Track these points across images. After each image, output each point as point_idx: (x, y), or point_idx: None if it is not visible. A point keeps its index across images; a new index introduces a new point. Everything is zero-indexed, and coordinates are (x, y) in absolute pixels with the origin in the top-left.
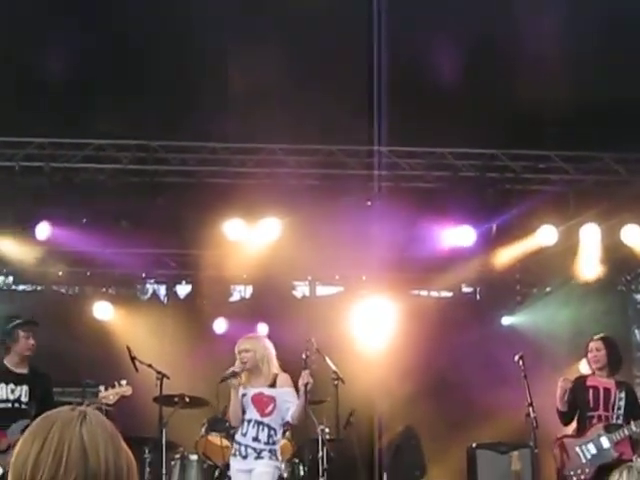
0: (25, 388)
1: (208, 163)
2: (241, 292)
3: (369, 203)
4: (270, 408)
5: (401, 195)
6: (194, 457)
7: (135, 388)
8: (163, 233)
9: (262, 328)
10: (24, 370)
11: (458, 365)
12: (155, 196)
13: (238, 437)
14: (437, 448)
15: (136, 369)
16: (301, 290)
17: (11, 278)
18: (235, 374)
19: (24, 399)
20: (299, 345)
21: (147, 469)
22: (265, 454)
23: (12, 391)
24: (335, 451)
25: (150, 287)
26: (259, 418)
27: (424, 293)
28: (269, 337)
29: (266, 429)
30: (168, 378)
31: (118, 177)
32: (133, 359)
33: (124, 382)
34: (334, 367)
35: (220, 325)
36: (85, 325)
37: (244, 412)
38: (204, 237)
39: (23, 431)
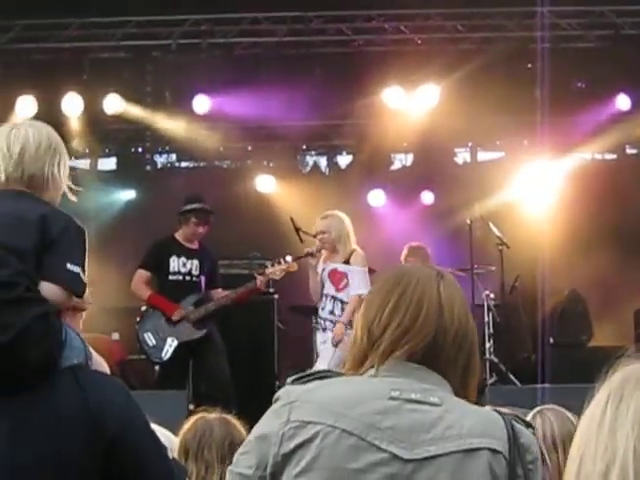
0: (196, 262)
1: (364, 31)
2: (402, 160)
3: (529, 66)
4: (343, 283)
5: (562, 56)
6: None
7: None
8: (321, 104)
9: (426, 195)
10: (194, 245)
11: (625, 227)
12: (313, 67)
13: (319, 311)
14: (604, 312)
15: (301, 240)
16: (462, 156)
17: (174, 156)
18: (309, 254)
19: (195, 272)
20: (462, 211)
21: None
22: None
23: (184, 264)
24: (501, 316)
25: (311, 159)
26: (334, 293)
27: (587, 156)
28: (433, 203)
29: (339, 303)
30: None
31: (275, 50)
32: (297, 230)
33: (289, 258)
34: (498, 233)
35: (380, 194)
36: (248, 199)
37: (323, 287)
38: (363, 106)
39: (195, 304)
